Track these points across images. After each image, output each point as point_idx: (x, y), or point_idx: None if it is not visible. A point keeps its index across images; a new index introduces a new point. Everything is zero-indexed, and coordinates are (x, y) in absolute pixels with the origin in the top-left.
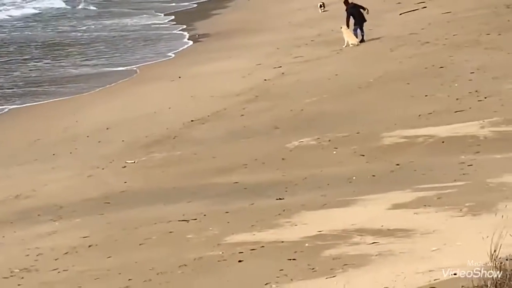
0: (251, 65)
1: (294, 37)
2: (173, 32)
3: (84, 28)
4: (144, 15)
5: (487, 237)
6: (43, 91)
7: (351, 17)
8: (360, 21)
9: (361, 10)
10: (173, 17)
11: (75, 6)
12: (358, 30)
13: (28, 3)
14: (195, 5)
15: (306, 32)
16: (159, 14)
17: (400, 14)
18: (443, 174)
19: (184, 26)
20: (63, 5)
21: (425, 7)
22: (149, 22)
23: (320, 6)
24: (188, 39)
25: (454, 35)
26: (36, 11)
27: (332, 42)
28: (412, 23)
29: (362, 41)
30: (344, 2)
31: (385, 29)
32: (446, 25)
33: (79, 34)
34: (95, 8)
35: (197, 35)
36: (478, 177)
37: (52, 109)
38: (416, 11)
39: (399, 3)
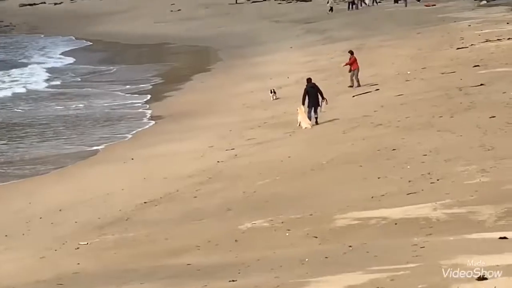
0: (204, 147)
1: (247, 119)
2: (132, 112)
3: (46, 108)
4: (106, 95)
5: None
6: None
7: (306, 96)
8: (314, 103)
9: (319, 94)
10: (135, 97)
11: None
12: (312, 112)
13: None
14: (150, 87)
15: (259, 114)
16: (121, 94)
17: (353, 96)
18: (396, 256)
19: (145, 106)
20: (41, 86)
21: (378, 89)
22: (109, 103)
23: (271, 92)
24: (147, 120)
25: (406, 117)
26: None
27: (285, 124)
28: (365, 105)
29: (316, 123)
30: (307, 79)
31: (339, 111)
32: (398, 108)
33: (39, 114)
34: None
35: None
36: (431, 259)
37: (6, 191)
38: (369, 93)
39: (351, 85)
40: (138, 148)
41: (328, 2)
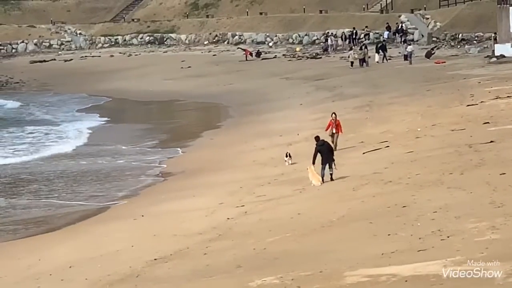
0: (214, 204)
1: (257, 176)
2: (142, 169)
3: (57, 165)
4: (115, 152)
5: None
6: (6, 230)
7: (319, 154)
8: (327, 159)
9: (331, 151)
10: (145, 154)
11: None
12: (327, 168)
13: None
14: (160, 144)
15: (269, 171)
16: (131, 151)
17: (364, 153)
18: None
19: (155, 163)
20: (55, 143)
21: (388, 146)
22: (118, 160)
23: (287, 155)
24: (157, 176)
25: (417, 174)
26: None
27: (295, 181)
28: (375, 162)
29: (331, 179)
30: (315, 138)
31: (348, 168)
32: (409, 165)
33: (49, 170)
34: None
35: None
36: None
37: (16, 248)
38: (379, 150)
39: (362, 142)
40: (148, 205)
41: (349, 57)
